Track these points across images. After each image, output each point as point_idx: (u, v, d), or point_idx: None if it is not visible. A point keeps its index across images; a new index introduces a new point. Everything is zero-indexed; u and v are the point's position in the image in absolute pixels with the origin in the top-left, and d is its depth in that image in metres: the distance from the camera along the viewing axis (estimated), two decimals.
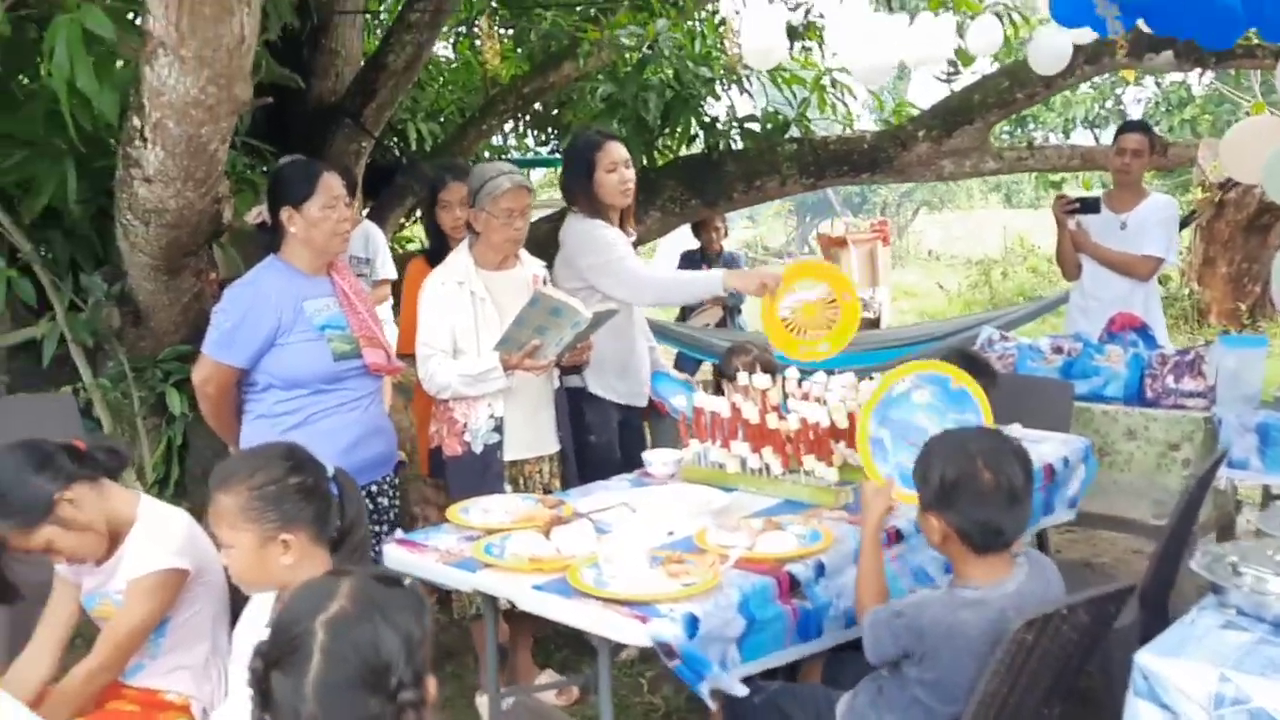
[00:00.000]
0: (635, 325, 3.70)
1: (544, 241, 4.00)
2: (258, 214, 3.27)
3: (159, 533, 2.22)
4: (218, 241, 4.14)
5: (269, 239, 3.06)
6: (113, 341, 4.38)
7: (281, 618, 1.31)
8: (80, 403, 4.31)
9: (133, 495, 2.32)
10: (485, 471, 3.14)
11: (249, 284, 2.95)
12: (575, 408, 3.47)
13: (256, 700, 1.29)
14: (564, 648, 3.80)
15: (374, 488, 3.06)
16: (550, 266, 3.53)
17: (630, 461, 3.47)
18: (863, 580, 2.32)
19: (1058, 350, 4.18)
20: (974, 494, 2.06)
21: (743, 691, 2.16)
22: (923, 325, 7.72)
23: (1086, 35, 4.54)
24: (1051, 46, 4.26)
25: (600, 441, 3.52)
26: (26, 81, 4.46)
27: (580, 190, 3.56)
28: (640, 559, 2.27)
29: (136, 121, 3.05)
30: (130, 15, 3.49)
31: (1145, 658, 1.84)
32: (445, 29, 6.73)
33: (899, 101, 6.51)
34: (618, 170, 3.52)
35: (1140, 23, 4.05)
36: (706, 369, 6.49)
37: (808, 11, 6.40)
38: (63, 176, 3.93)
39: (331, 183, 2.95)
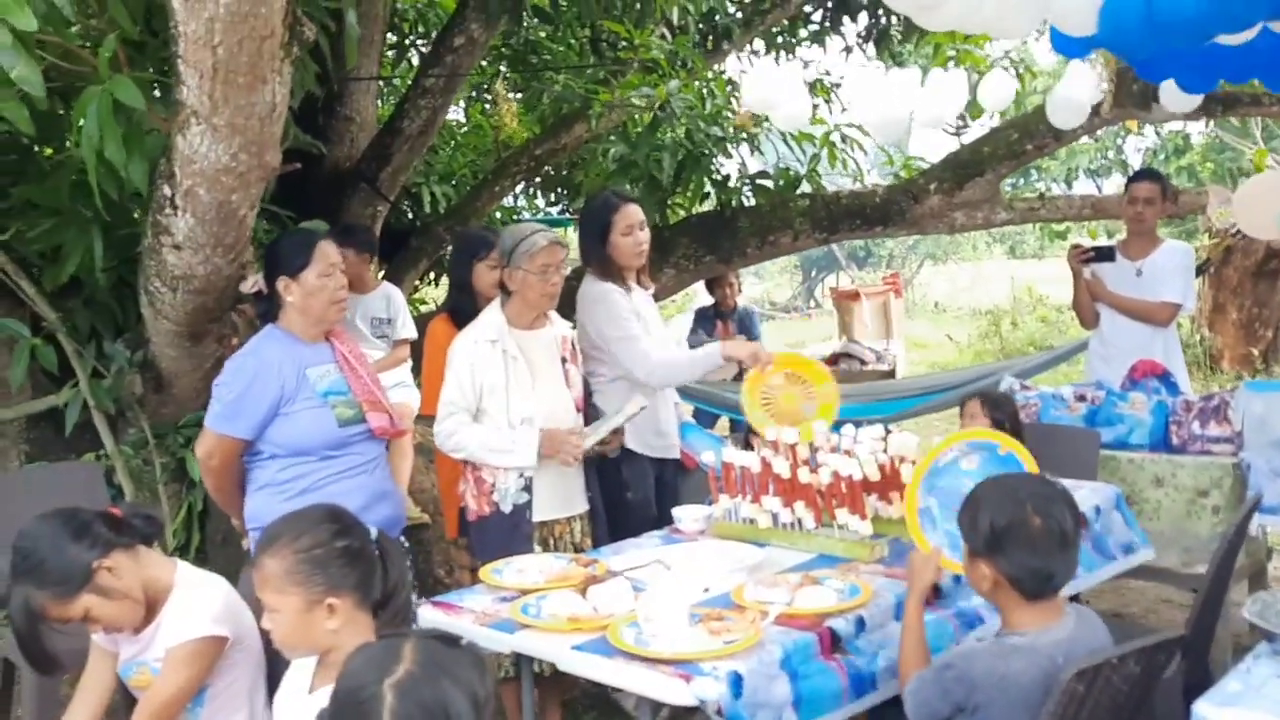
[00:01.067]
0: None
1: (562, 301, 4.02)
2: (253, 284, 3.30)
3: (197, 600, 2.20)
4: (239, 307, 4.17)
5: (265, 308, 3.08)
6: (135, 408, 4.39)
7: (345, 684, 1.29)
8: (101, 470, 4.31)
9: (169, 562, 2.31)
10: (514, 532, 3.12)
11: (250, 354, 2.96)
12: (610, 464, 3.44)
13: None
14: (592, 709, 3.76)
15: None
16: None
17: (666, 516, 3.47)
18: (907, 647, 2.28)
19: (1081, 399, 4.17)
20: (1024, 540, 2.04)
21: None
22: (939, 375, 7.71)
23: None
24: (1069, 101, 4.31)
25: (638, 498, 3.50)
26: (50, 152, 4.53)
27: (594, 251, 3.58)
28: (680, 617, 2.25)
29: (167, 190, 3.08)
30: (154, 87, 3.56)
31: (1204, 708, 1.81)
32: (457, 93, 6.82)
33: (906, 157, 6.55)
34: (633, 233, 3.55)
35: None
36: (724, 424, 6.48)
37: (823, 72, 6.49)
38: (89, 245, 3.96)
39: (328, 251, 2.99)
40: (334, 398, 2.95)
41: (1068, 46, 3.57)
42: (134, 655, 2.27)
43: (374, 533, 2.03)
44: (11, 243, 4.19)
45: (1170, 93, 4.46)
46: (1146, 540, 3.46)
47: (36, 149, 4.54)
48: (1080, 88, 4.13)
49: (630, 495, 3.44)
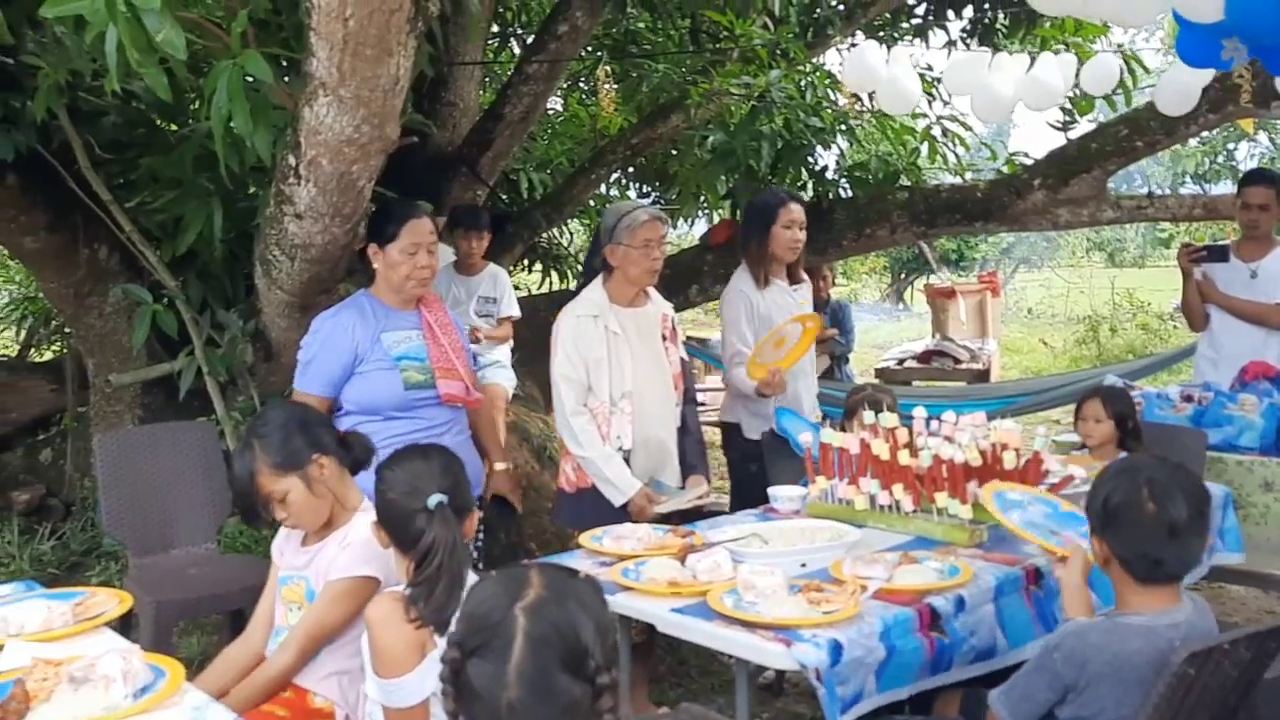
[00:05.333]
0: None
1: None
2: (360, 240, 3.45)
3: (365, 536, 2.28)
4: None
5: (371, 269, 3.20)
6: (245, 377, 4.56)
7: (476, 608, 1.34)
8: None
9: (360, 493, 2.45)
10: (612, 504, 3.17)
11: (330, 317, 3.12)
12: (737, 442, 3.92)
13: (451, 691, 1.32)
14: (678, 686, 3.79)
15: None
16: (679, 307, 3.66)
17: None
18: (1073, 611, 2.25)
19: (1188, 399, 4.07)
20: (1132, 522, 2.03)
21: None
22: (1038, 379, 7.55)
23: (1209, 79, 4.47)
24: (1180, 86, 4.19)
25: (758, 471, 3.76)
26: (175, 128, 4.73)
27: (755, 241, 3.89)
28: (779, 586, 2.28)
29: (291, 159, 3.19)
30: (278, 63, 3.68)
31: None
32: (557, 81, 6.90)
33: (1010, 153, 6.43)
34: (793, 229, 3.87)
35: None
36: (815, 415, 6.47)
37: (925, 66, 6.43)
38: (209, 216, 4.13)
39: (419, 228, 3.07)
40: (406, 362, 3.07)
41: (1192, 53, 3.45)
42: (296, 566, 2.41)
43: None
44: (136, 213, 4.39)
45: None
46: (1240, 546, 3.41)
47: (160, 124, 4.74)
48: (1192, 73, 4.00)
49: (753, 467, 3.72)
